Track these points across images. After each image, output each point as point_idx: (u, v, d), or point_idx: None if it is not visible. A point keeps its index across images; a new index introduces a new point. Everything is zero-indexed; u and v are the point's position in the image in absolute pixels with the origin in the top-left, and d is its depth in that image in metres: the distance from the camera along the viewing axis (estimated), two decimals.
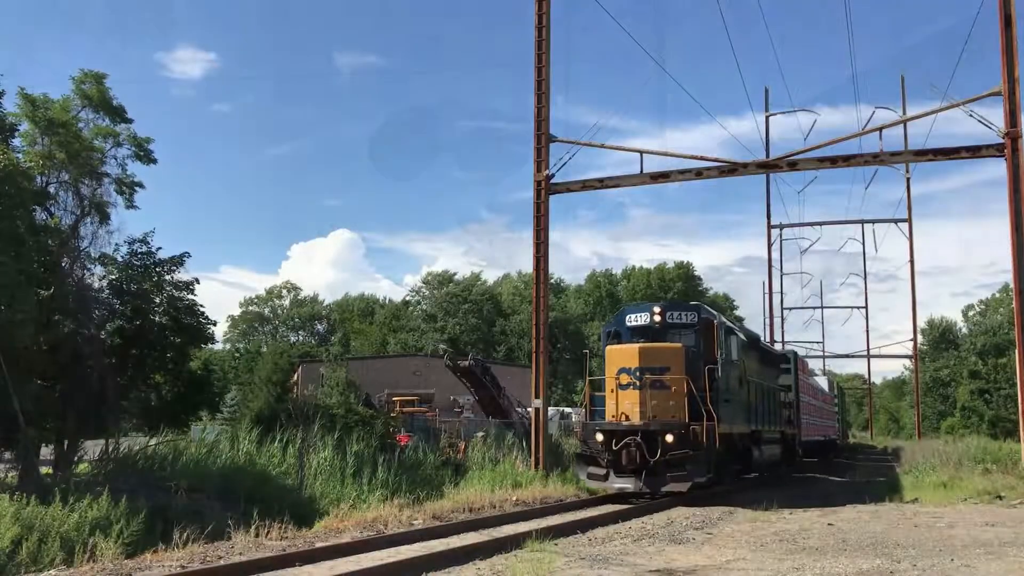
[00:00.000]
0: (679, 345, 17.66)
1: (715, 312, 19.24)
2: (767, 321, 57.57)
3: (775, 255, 59.59)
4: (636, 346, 17.76)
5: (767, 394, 23.48)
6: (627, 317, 19.24)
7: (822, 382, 40.72)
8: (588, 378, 19.38)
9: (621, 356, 17.72)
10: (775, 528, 12.92)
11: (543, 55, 24.07)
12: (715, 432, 16.66)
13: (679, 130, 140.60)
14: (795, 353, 32.55)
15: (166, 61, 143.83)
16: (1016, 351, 21.39)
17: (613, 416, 17.40)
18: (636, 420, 16.93)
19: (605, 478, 17.11)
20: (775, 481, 23.49)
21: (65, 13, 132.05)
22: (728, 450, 18.57)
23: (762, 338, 28.70)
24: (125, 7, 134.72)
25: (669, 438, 16.43)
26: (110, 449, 16.88)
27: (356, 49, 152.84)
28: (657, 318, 18.60)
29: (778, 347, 47.20)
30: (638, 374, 17.16)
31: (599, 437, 17.26)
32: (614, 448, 16.87)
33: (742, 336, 20.33)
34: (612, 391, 17.56)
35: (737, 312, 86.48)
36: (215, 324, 20.79)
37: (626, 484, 16.83)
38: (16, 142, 17.33)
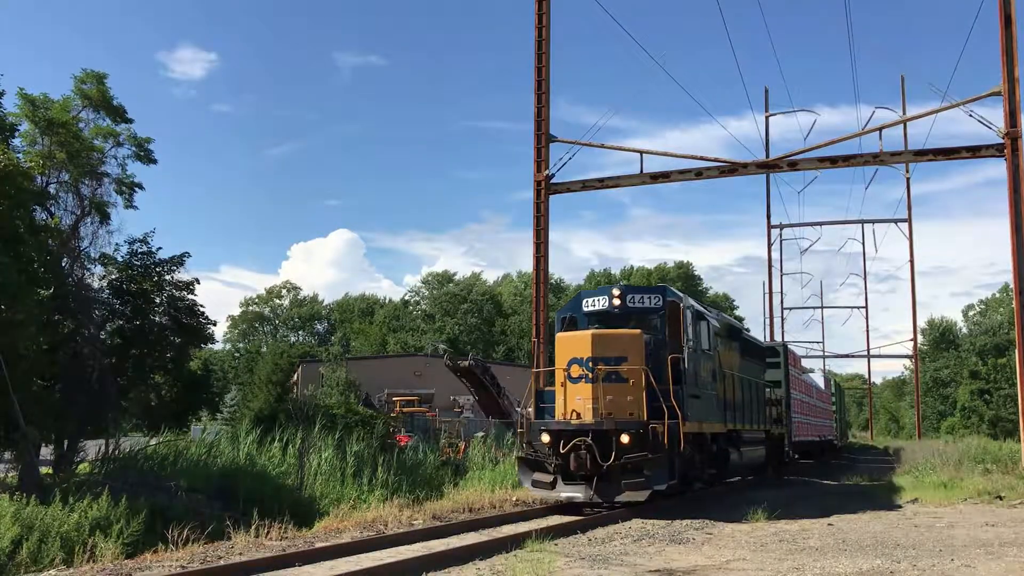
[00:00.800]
0: (638, 332, 15.32)
1: (682, 295, 16.86)
2: (767, 321, 57.61)
3: (775, 255, 59.73)
4: (588, 333, 15.40)
5: (750, 389, 21.35)
6: (584, 301, 16.98)
7: (818, 379, 39.32)
8: (536, 369, 17.01)
9: (572, 345, 15.36)
10: (775, 528, 12.92)
11: (543, 55, 24.09)
12: (679, 431, 14.41)
13: (679, 130, 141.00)
14: (785, 346, 30.47)
15: (167, 61, 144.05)
16: (1016, 351, 21.41)
17: (563, 414, 15.14)
18: (588, 418, 14.72)
19: (552, 486, 14.90)
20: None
21: (66, 13, 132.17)
22: (699, 452, 16.58)
23: (745, 330, 26.01)
24: (126, 7, 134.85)
25: (625, 439, 14.31)
26: (110, 449, 16.89)
27: (357, 49, 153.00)
28: (616, 302, 16.32)
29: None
30: (591, 365, 14.86)
31: (545, 438, 15.04)
32: (562, 451, 14.67)
33: (715, 323, 18.18)
34: (562, 385, 15.25)
35: (737, 312, 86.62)
36: (215, 324, 20.83)
37: (575, 493, 14.71)
38: (16, 142, 17.35)
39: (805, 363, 43.57)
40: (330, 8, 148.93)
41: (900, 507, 16.43)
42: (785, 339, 56.71)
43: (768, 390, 24.66)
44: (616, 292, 16.49)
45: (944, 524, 13.38)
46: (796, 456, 32.05)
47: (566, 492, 14.80)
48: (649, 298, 16.48)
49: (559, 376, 15.33)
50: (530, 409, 16.67)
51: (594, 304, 16.72)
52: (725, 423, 18.15)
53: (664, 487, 14.27)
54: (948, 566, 9.28)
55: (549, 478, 14.91)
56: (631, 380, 14.83)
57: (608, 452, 14.31)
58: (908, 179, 55.27)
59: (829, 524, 13.31)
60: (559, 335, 16.13)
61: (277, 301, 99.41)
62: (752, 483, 22.28)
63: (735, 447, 19.22)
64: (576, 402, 14.96)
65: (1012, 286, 21.37)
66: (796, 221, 60.05)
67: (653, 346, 15.54)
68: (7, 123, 17.03)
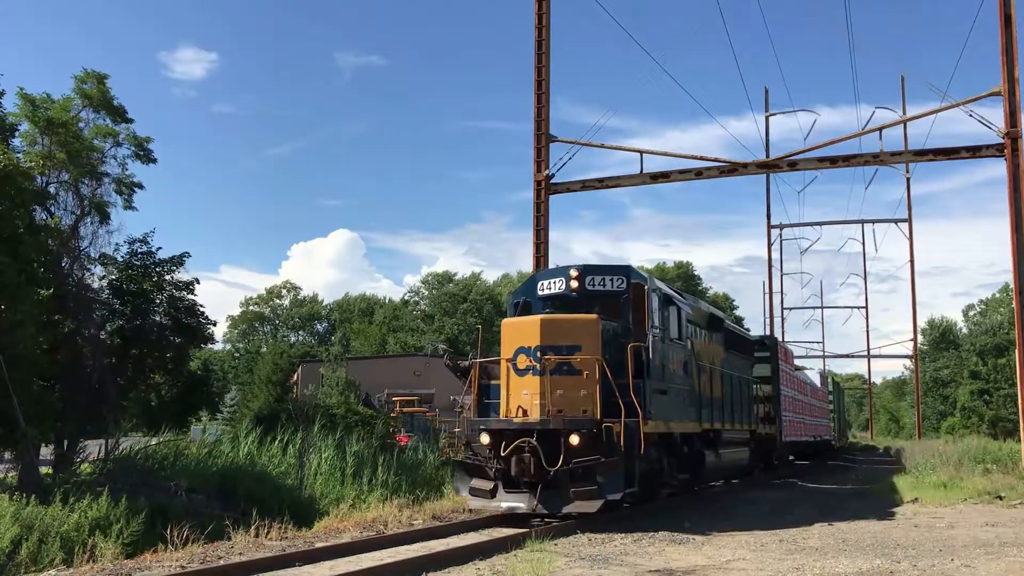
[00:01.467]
0: (594, 316, 13.38)
1: (648, 276, 14.89)
2: (767, 321, 57.59)
3: (775, 255, 59.70)
4: (537, 318, 13.59)
5: (732, 385, 19.51)
6: (539, 284, 15.14)
7: (814, 376, 38.25)
8: (479, 360, 14.68)
9: (518, 331, 13.52)
10: (778, 527, 12.93)
11: (543, 55, 24.10)
12: (639, 431, 12.55)
13: (679, 130, 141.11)
14: (774, 339, 28.65)
15: (168, 61, 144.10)
16: (1016, 351, 21.41)
17: (509, 411, 13.31)
18: (535, 416, 12.90)
19: (492, 494, 12.94)
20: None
21: (66, 12, 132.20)
22: (668, 455, 14.85)
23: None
24: (127, 7, 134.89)
25: (574, 440, 12.34)
26: (110, 449, 16.90)
27: (357, 49, 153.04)
28: (574, 284, 14.48)
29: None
30: (538, 355, 13.00)
31: (484, 439, 13.13)
32: (503, 454, 12.79)
33: (688, 309, 16.21)
34: (507, 378, 13.46)
35: (737, 312, 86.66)
36: (215, 324, 20.83)
37: (517, 503, 12.71)
38: (16, 142, 17.36)
39: (805, 363, 43.22)
40: (331, 8, 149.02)
41: (900, 507, 16.43)
42: (785, 339, 56.69)
43: (756, 386, 23.23)
44: (574, 273, 14.57)
45: (944, 524, 13.39)
46: (792, 457, 31.12)
47: (507, 502, 12.83)
48: (612, 280, 14.59)
49: (504, 368, 13.53)
50: (470, 403, 14.56)
51: (550, 287, 14.87)
52: (700, 422, 16.36)
53: (619, 496, 12.45)
54: (948, 566, 9.28)
55: (489, 485, 12.99)
56: (585, 372, 12.93)
57: (556, 455, 12.40)
58: (908, 179, 55.33)
59: (829, 524, 13.31)
60: (505, 321, 14.26)
61: (277, 301, 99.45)
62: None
63: (713, 448, 17.44)
64: (522, 397, 13.12)
65: (1012, 286, 21.38)
66: (796, 221, 60.02)
67: (613, 334, 13.71)
68: (7, 123, 17.04)
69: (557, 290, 14.73)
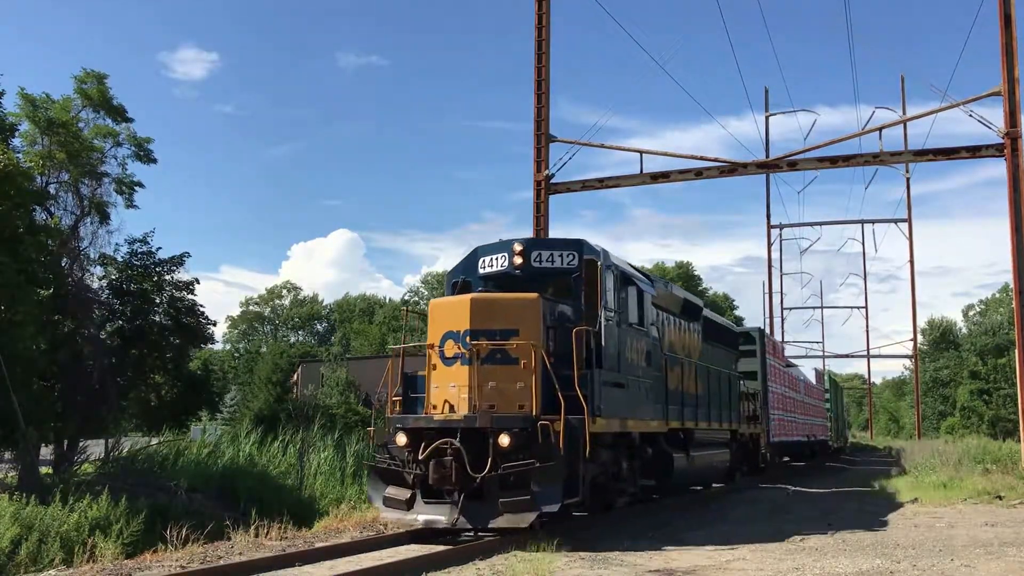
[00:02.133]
0: (534, 295, 11.49)
1: (604, 250, 12.75)
2: (767, 321, 57.58)
3: (775, 255, 59.68)
4: (467, 297, 11.81)
5: (711, 380, 17.72)
6: (480, 261, 13.23)
7: (808, 373, 36.81)
8: (403, 345, 12.98)
9: (446, 313, 11.69)
10: (777, 527, 12.93)
11: (543, 55, 24.10)
12: (585, 430, 10.68)
13: (679, 130, 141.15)
14: (762, 331, 26.33)
15: (169, 61, 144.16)
16: (1016, 351, 21.41)
17: (434, 406, 11.42)
18: (461, 412, 11.08)
19: (408, 505, 10.98)
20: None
21: (67, 12, 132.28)
22: (626, 458, 13.14)
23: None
24: (128, 6, 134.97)
25: (504, 441, 10.48)
26: (110, 449, 16.92)
27: (358, 49, 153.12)
28: (518, 260, 12.66)
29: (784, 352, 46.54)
30: (468, 340, 11.16)
31: (401, 439, 11.17)
32: (421, 457, 10.92)
33: (652, 291, 14.24)
34: (434, 368, 11.56)
35: (737, 312, 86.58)
36: (215, 324, 20.85)
37: (437, 516, 10.80)
38: (16, 142, 17.37)
39: (805, 363, 42.76)
40: (331, 8, 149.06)
41: (900, 507, 16.43)
42: (785, 339, 56.69)
43: (741, 383, 21.50)
44: (517, 247, 12.77)
45: (944, 524, 13.39)
46: (786, 459, 29.98)
47: (425, 515, 10.89)
48: (562, 256, 12.72)
49: (431, 357, 11.68)
50: (392, 398, 12.39)
51: (491, 264, 13.06)
52: (667, 420, 14.53)
53: (557, 507, 10.47)
54: (948, 566, 9.28)
55: (405, 494, 11.03)
56: (522, 361, 11.02)
57: (483, 459, 10.56)
58: (908, 179, 55.34)
59: (829, 524, 13.31)
60: (432, 302, 12.57)
61: (277, 301, 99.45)
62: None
63: (684, 450, 15.68)
64: (449, 391, 11.28)
65: (1012, 286, 21.38)
66: (796, 221, 60.01)
67: (560, 317, 11.90)
68: (7, 123, 17.05)
69: (499, 267, 12.97)
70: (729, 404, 19.34)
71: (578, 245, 12.85)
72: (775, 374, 25.85)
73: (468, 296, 11.88)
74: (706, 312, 18.96)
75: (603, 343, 11.87)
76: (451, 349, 11.41)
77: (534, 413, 10.75)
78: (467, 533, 11.21)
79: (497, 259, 13.03)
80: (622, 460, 13.00)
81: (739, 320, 66.41)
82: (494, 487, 10.59)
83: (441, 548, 10.09)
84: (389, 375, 12.28)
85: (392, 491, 11.22)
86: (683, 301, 16.98)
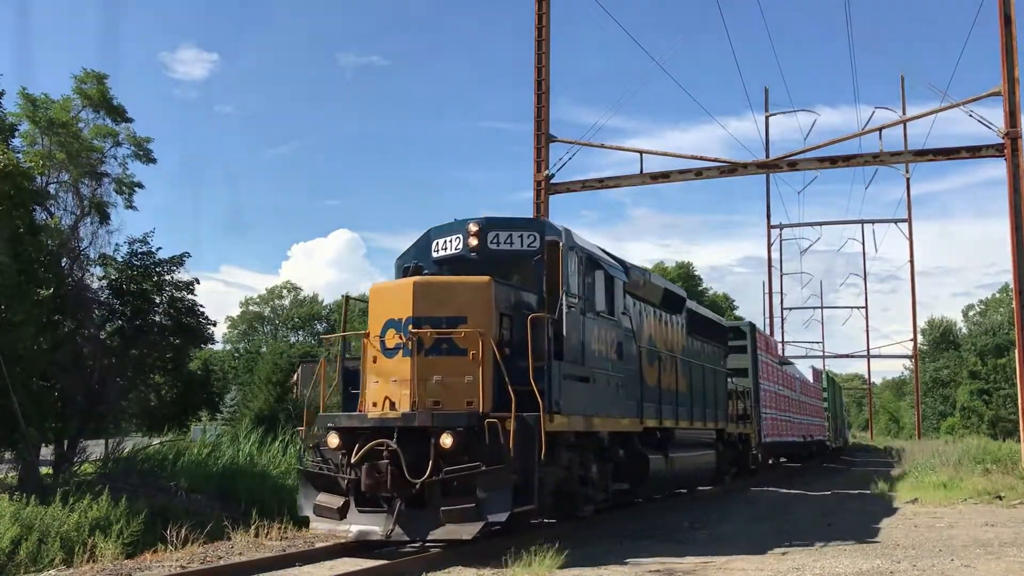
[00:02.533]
0: (485, 279, 10.41)
1: (566, 230, 11.48)
2: (767, 321, 57.57)
3: (775, 255, 59.67)
4: (409, 280, 10.69)
5: (694, 376, 16.65)
6: (433, 244, 12.10)
7: (805, 371, 36.25)
8: (343, 332, 12.18)
9: (388, 299, 10.57)
10: (776, 527, 12.93)
11: (543, 55, 24.10)
12: (540, 429, 9.57)
13: (679, 130, 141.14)
14: (752, 325, 24.99)
15: (169, 62, 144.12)
16: (1016, 351, 21.41)
17: (374, 404, 10.24)
18: (402, 409, 9.94)
19: (342, 514, 9.83)
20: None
21: (67, 12, 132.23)
22: (596, 460, 12.02)
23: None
24: (129, 6, 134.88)
25: (447, 441, 9.36)
26: (110, 449, 16.93)
27: (358, 49, 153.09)
28: (473, 241, 11.54)
29: (778, 349, 46.41)
30: (410, 329, 10.02)
31: (333, 440, 10.07)
32: (353, 460, 9.84)
33: (624, 279, 13.09)
34: (374, 360, 10.44)
35: (737, 312, 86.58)
36: (215, 324, 20.83)
37: (371, 526, 9.69)
38: (16, 142, 17.37)
39: (805, 363, 42.45)
40: (332, 9, 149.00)
41: (900, 508, 16.43)
42: (785, 339, 56.66)
43: (731, 380, 20.55)
44: (473, 228, 11.59)
45: (944, 524, 13.38)
46: (782, 460, 29.37)
47: (358, 525, 9.76)
48: (522, 236, 11.57)
49: (371, 348, 10.54)
50: (324, 395, 11.26)
51: (445, 247, 11.91)
52: (643, 418, 13.43)
53: (505, 516, 9.24)
54: (948, 566, 9.28)
55: (338, 502, 9.88)
56: (471, 352, 9.86)
57: (423, 462, 9.41)
58: (908, 179, 55.35)
59: (829, 525, 13.31)
60: (372, 287, 11.34)
61: (277, 301, 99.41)
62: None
63: (662, 451, 14.52)
64: (390, 386, 10.14)
65: (1012, 286, 21.39)
66: (796, 221, 60.00)
67: (517, 304, 10.79)
68: (7, 123, 17.05)
69: (453, 251, 11.79)
70: (715, 402, 18.26)
71: (540, 225, 11.88)
72: (767, 371, 24.80)
73: (411, 279, 10.80)
74: (690, 304, 17.85)
75: (564, 332, 10.62)
76: (392, 339, 10.22)
77: (481, 410, 9.60)
78: (413, 544, 10.09)
79: (451, 241, 11.87)
80: (589, 462, 11.83)
81: (739, 320, 66.30)
82: (436, 494, 9.47)
83: (442, 548, 9.85)
84: (322, 370, 11.25)
85: (323, 498, 10.03)
86: (663, 291, 15.77)
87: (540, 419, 9.64)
